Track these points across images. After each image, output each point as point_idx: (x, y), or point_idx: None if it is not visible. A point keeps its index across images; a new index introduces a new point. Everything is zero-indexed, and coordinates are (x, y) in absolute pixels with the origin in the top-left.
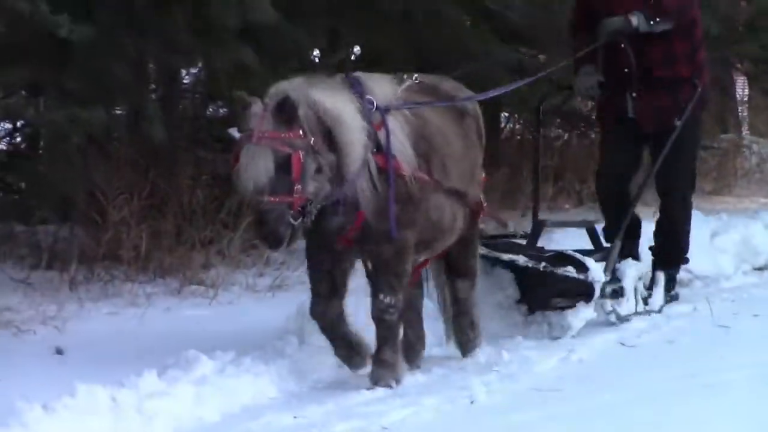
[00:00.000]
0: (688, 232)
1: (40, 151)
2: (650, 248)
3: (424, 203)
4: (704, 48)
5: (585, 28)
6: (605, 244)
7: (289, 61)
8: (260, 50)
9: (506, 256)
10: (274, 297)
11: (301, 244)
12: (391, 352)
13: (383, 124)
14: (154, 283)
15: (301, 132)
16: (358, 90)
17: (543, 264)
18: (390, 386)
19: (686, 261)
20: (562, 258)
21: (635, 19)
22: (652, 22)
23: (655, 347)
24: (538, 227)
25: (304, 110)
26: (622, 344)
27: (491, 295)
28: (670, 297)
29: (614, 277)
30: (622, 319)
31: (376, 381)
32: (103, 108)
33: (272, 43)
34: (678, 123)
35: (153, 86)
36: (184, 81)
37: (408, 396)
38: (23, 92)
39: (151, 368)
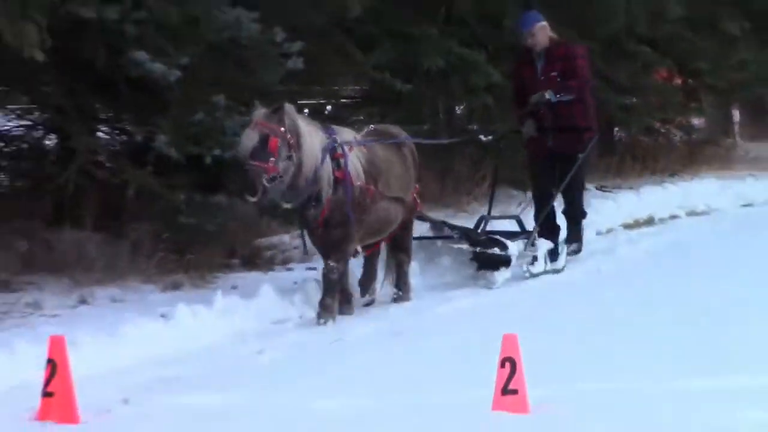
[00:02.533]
0: (582, 209)
1: None
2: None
3: (372, 207)
4: (594, 110)
5: (521, 99)
6: (528, 228)
7: None
8: None
9: (456, 245)
10: None
11: None
12: (330, 300)
13: (343, 154)
14: None
15: (282, 128)
16: (330, 132)
17: (478, 248)
18: (327, 323)
19: (584, 215)
20: (492, 241)
21: (548, 94)
22: (558, 96)
23: None
24: (481, 219)
25: (288, 120)
26: None
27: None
28: (579, 250)
29: (532, 248)
30: (534, 276)
31: (318, 318)
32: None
33: None
34: (580, 156)
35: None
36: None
37: None
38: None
39: None
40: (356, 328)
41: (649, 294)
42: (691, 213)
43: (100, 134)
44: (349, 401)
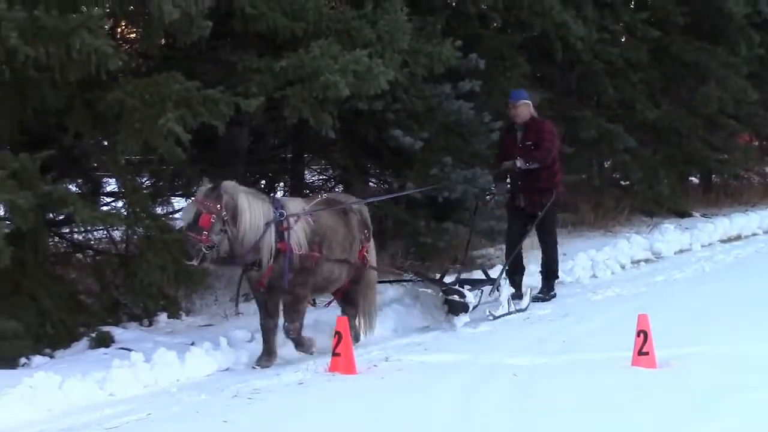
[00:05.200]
0: (556, 260)
1: None
2: (540, 271)
3: (316, 269)
4: (560, 174)
5: (500, 161)
6: (492, 276)
7: None
8: None
9: (422, 290)
10: None
11: None
12: (300, 348)
13: (287, 227)
14: None
15: (219, 206)
16: (276, 205)
17: (440, 294)
18: (309, 353)
19: (557, 277)
20: (452, 290)
21: (519, 162)
22: (527, 164)
23: None
24: (445, 271)
25: (226, 198)
26: None
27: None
28: (551, 297)
29: (497, 293)
30: (496, 318)
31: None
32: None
33: None
34: (540, 213)
35: (594, 169)
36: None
37: None
38: None
39: None
40: (537, 310)
41: (739, 285)
42: (767, 232)
43: (371, 183)
44: (529, 358)
